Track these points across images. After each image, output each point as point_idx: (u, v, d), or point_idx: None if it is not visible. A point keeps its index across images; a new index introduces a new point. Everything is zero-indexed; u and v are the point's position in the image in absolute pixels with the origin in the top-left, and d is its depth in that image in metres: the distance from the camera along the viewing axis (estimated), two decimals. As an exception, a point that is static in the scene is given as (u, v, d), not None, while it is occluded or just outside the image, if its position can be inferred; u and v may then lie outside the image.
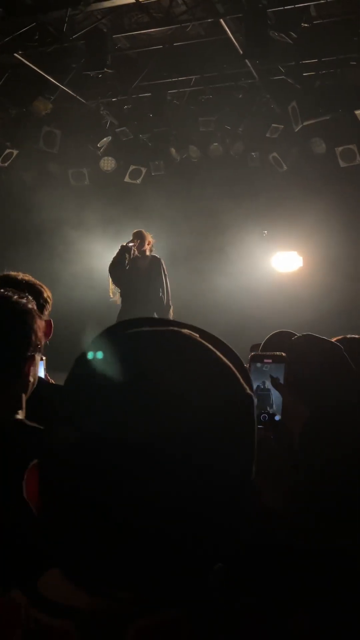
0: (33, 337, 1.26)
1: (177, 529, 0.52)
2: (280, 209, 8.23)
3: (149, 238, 6.44)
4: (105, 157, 8.37)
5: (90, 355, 0.57)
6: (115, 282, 6.26)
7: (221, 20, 5.70)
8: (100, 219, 8.74)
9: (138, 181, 8.79)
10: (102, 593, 0.53)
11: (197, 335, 0.60)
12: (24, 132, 7.94)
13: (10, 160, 8.37)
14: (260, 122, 7.63)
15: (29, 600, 0.55)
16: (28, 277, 1.86)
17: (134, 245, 6.25)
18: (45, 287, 1.88)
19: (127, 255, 6.19)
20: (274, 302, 7.92)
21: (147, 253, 6.41)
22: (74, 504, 0.52)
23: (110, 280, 6.30)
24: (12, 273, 1.85)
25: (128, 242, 6.30)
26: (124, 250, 6.20)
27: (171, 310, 6.50)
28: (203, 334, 0.62)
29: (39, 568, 0.59)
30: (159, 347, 0.57)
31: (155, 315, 6.10)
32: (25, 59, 6.37)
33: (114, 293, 6.36)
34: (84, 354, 0.59)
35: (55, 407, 1.53)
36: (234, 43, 5.99)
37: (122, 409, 0.52)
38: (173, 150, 8.35)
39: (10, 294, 1.28)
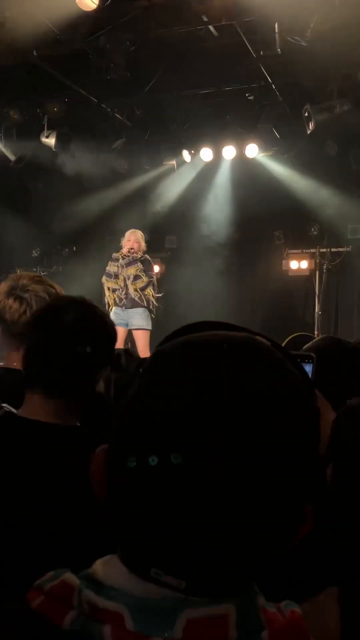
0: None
1: (239, 529, 0.52)
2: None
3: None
4: (119, 159, 8.39)
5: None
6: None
7: (234, 23, 5.73)
8: (113, 219, 8.79)
9: (151, 182, 8.83)
10: (156, 580, 0.54)
11: (269, 343, 0.60)
12: (38, 133, 7.99)
13: (24, 162, 8.43)
14: (273, 124, 7.63)
15: (83, 583, 0.56)
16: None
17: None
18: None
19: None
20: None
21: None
22: (140, 492, 0.53)
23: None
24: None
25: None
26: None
27: None
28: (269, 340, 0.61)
29: (94, 552, 0.61)
30: (240, 352, 0.56)
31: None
32: (41, 61, 6.40)
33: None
34: (164, 355, 0.58)
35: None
36: (247, 45, 6.01)
37: (206, 413, 0.52)
38: (185, 151, 8.36)
39: (97, 310, 1.40)
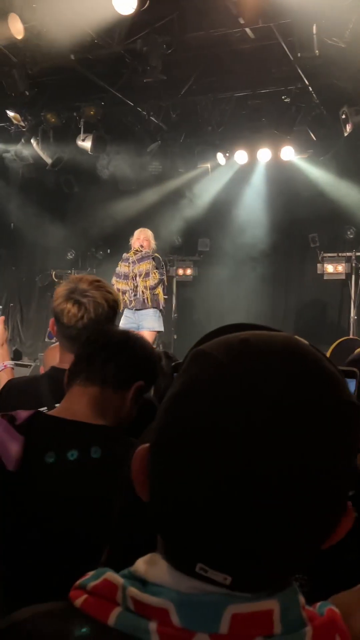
0: None
1: (286, 526, 0.52)
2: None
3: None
4: (154, 162, 8.44)
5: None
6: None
7: (271, 25, 5.70)
8: (147, 222, 8.83)
9: (185, 185, 8.85)
10: (201, 576, 0.54)
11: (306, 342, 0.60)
12: (74, 136, 8.09)
13: (60, 165, 8.54)
14: (309, 127, 7.56)
15: (127, 581, 0.57)
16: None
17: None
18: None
19: None
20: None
21: None
22: (189, 492, 0.53)
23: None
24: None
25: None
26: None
27: None
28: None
29: (136, 551, 0.61)
30: (282, 352, 0.56)
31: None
32: (78, 65, 6.48)
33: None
34: (204, 354, 0.58)
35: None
36: (283, 47, 5.97)
37: (255, 412, 0.52)
38: (220, 154, 8.35)
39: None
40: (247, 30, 5.94)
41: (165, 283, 6.45)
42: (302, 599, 0.57)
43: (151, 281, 6.13)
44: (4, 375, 2.23)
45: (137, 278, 6.15)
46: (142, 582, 0.57)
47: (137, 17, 5.53)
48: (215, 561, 0.53)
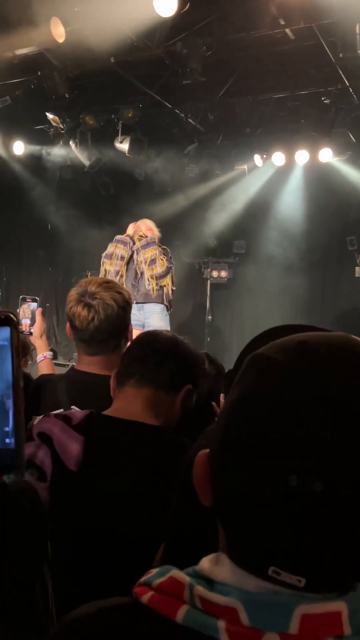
0: None
1: (350, 530, 0.52)
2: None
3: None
4: (191, 164, 8.44)
5: None
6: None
7: (313, 26, 5.64)
8: (182, 224, 8.85)
9: (222, 186, 8.83)
10: (272, 578, 0.54)
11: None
12: (112, 138, 8.15)
13: (97, 167, 8.62)
14: (348, 128, 7.45)
15: (194, 579, 0.57)
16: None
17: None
18: None
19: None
20: None
21: None
22: (259, 495, 0.53)
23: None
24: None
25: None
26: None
27: None
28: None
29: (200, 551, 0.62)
30: (341, 351, 0.56)
31: None
32: (118, 67, 6.53)
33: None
34: (263, 357, 0.58)
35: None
36: (324, 48, 5.90)
37: (319, 412, 0.52)
38: (257, 156, 8.31)
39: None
40: (288, 31, 5.88)
41: (174, 278, 5.73)
42: None
43: (158, 268, 5.46)
44: (44, 365, 2.28)
45: (143, 265, 5.49)
46: (209, 581, 0.57)
47: (177, 19, 5.53)
48: (289, 564, 0.53)
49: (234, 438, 0.56)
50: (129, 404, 1.34)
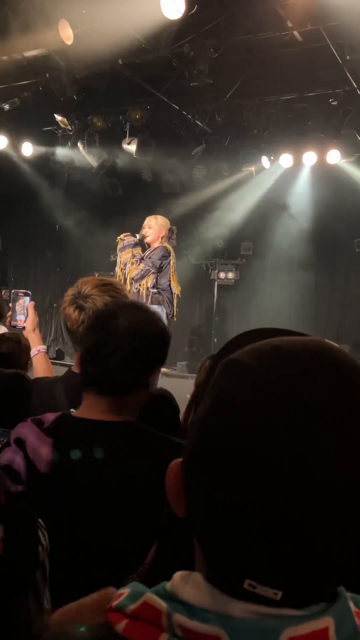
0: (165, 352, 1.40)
1: (339, 534, 0.51)
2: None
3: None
4: (198, 165, 8.45)
5: None
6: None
7: (320, 27, 5.64)
8: (190, 225, 8.85)
9: (229, 188, 8.83)
10: (248, 595, 0.52)
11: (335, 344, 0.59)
12: (120, 140, 8.18)
13: (105, 168, 8.65)
14: (356, 130, 7.44)
15: (170, 605, 0.55)
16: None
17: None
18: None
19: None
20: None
21: None
22: (233, 506, 0.52)
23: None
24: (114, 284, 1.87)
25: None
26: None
27: None
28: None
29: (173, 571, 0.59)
30: (316, 357, 0.55)
31: None
32: (125, 69, 6.55)
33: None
34: (236, 363, 0.56)
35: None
36: (332, 50, 5.89)
37: (294, 419, 0.51)
38: (264, 158, 8.30)
39: (150, 313, 1.41)
40: (295, 33, 5.88)
41: (154, 274, 5.54)
42: (353, 606, 0.56)
43: (133, 272, 5.48)
44: (38, 360, 2.28)
45: (119, 267, 5.64)
46: (187, 608, 0.54)
47: (185, 21, 5.54)
48: (265, 576, 0.52)
49: (206, 447, 0.54)
50: (93, 407, 1.35)
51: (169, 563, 0.64)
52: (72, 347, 1.93)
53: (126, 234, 5.76)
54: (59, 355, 9.93)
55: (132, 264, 5.54)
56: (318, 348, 0.56)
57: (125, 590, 0.58)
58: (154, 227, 5.69)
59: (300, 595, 0.53)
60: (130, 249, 5.62)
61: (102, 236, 9.54)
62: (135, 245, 5.66)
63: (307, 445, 0.50)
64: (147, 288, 5.50)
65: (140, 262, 5.55)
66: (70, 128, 8.00)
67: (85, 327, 1.40)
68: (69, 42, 5.76)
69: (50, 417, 1.35)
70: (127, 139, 8.05)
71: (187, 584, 0.56)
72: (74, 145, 8.53)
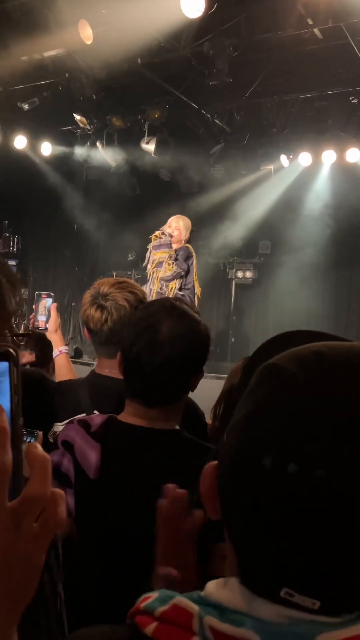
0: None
1: None
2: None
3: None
4: (217, 164, 8.43)
5: None
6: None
7: (341, 25, 5.59)
8: (207, 225, 8.84)
9: (248, 187, 8.80)
10: (286, 601, 0.52)
11: None
12: (138, 139, 8.19)
13: (124, 168, 8.66)
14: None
15: (203, 609, 0.54)
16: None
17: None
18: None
19: None
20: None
21: None
22: (271, 512, 0.51)
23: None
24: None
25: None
26: None
27: None
28: None
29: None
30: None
31: None
32: (144, 68, 6.56)
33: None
34: (277, 368, 0.56)
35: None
36: (353, 47, 5.84)
37: (336, 428, 0.51)
38: (283, 156, 8.27)
39: (196, 316, 1.38)
40: (316, 30, 5.84)
41: (184, 278, 5.58)
42: None
43: (162, 272, 5.46)
44: (60, 360, 2.28)
45: (150, 266, 5.57)
46: (218, 609, 0.54)
47: (204, 20, 5.53)
48: (303, 585, 0.51)
49: (247, 452, 0.54)
50: (139, 414, 1.33)
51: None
52: (93, 347, 1.92)
53: (161, 231, 5.66)
54: (77, 353, 9.98)
55: (169, 264, 5.49)
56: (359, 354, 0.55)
57: (154, 594, 0.57)
58: (181, 228, 5.66)
59: (337, 605, 0.52)
60: (167, 249, 5.55)
61: (120, 235, 9.57)
62: (170, 245, 5.60)
63: (352, 459, 0.49)
64: (175, 289, 5.47)
65: (174, 263, 5.52)
66: (89, 128, 8.04)
67: (126, 335, 1.37)
68: (89, 42, 5.78)
69: (97, 420, 1.32)
70: (145, 139, 8.06)
71: (220, 587, 0.56)
72: (93, 144, 8.57)
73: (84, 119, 7.83)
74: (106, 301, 1.76)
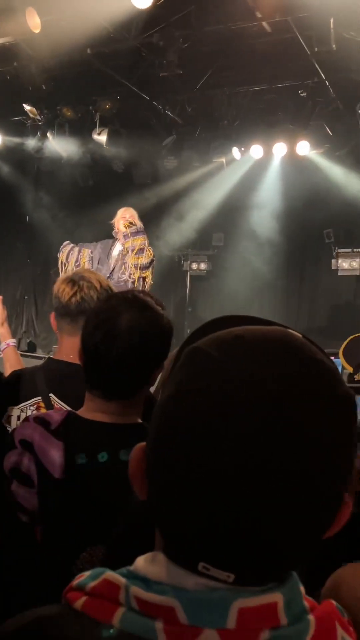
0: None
1: (284, 521, 0.53)
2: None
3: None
4: (169, 156, 8.43)
5: None
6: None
7: (288, 19, 5.67)
8: (161, 216, 8.84)
9: (200, 179, 8.85)
10: (204, 574, 0.54)
11: (300, 335, 0.60)
12: (90, 130, 8.11)
13: (75, 159, 8.57)
14: (325, 121, 7.52)
15: (130, 580, 0.56)
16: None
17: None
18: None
19: None
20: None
21: None
22: (189, 491, 0.53)
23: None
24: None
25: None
26: None
27: None
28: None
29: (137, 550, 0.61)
30: (277, 347, 0.56)
31: None
32: (94, 58, 6.49)
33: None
34: (199, 351, 0.57)
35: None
36: (300, 42, 5.93)
37: (252, 409, 0.52)
38: (235, 149, 8.33)
39: (159, 309, 1.38)
40: (264, 24, 5.90)
41: (153, 271, 5.56)
42: (302, 589, 0.58)
43: (144, 259, 5.33)
44: (8, 353, 2.28)
45: (130, 253, 5.32)
46: (145, 581, 0.56)
47: (154, 11, 5.51)
48: (217, 559, 0.53)
49: (167, 432, 0.56)
50: (100, 408, 1.32)
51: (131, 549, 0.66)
52: (57, 334, 1.93)
53: (128, 221, 5.47)
54: (31, 347, 9.85)
55: (149, 250, 5.38)
56: (279, 338, 0.57)
57: (87, 572, 0.59)
58: (136, 219, 5.54)
59: (251, 578, 0.55)
60: (143, 236, 5.42)
61: (73, 227, 9.47)
62: (144, 232, 5.48)
63: (264, 438, 0.51)
64: (149, 277, 5.40)
65: (151, 249, 5.42)
66: (39, 118, 7.91)
67: (84, 326, 1.36)
68: (37, 31, 5.68)
69: (55, 417, 1.30)
70: (97, 129, 7.99)
71: (146, 561, 0.58)
72: (44, 135, 8.43)
73: (34, 109, 7.70)
74: (80, 280, 1.85)
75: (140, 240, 5.36)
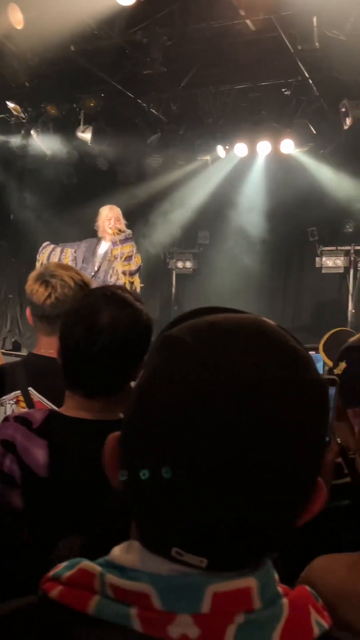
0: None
1: (257, 507, 0.53)
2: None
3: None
4: (154, 154, 8.43)
5: None
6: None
7: (272, 17, 5.68)
8: (146, 214, 8.83)
9: (185, 177, 8.84)
10: (178, 560, 0.55)
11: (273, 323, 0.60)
12: (74, 128, 8.07)
13: (59, 157, 8.53)
14: (309, 120, 7.55)
15: (104, 569, 0.56)
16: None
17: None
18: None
19: None
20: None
21: None
22: (160, 478, 0.53)
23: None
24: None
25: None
26: None
27: None
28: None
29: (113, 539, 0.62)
30: (250, 334, 0.56)
31: None
32: (78, 56, 6.47)
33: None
34: (173, 338, 0.57)
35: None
36: (284, 40, 5.95)
37: (225, 395, 0.52)
38: (219, 147, 8.34)
39: (139, 304, 1.37)
40: (248, 22, 5.91)
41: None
42: (276, 575, 0.59)
43: (133, 266, 5.39)
44: None
45: (118, 260, 5.37)
46: (120, 569, 0.56)
47: (138, 8, 5.50)
48: (190, 545, 0.54)
49: (139, 420, 0.56)
50: (82, 406, 1.31)
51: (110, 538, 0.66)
52: (35, 331, 1.92)
53: (117, 228, 5.46)
54: (15, 346, 9.80)
55: (137, 257, 5.43)
56: (253, 325, 0.58)
57: (64, 563, 0.60)
58: (121, 219, 5.54)
59: (224, 563, 0.55)
60: (131, 242, 5.47)
61: (58, 225, 9.42)
62: (132, 238, 5.54)
63: (235, 420, 0.51)
64: (137, 282, 5.45)
65: (139, 256, 5.47)
66: (23, 116, 7.86)
67: (62, 324, 1.34)
68: (19, 27, 5.63)
69: (37, 416, 1.29)
70: (81, 127, 7.96)
71: (122, 550, 0.59)
72: (28, 133, 8.37)
73: (17, 107, 7.65)
74: (52, 278, 1.82)
75: (129, 248, 5.41)
